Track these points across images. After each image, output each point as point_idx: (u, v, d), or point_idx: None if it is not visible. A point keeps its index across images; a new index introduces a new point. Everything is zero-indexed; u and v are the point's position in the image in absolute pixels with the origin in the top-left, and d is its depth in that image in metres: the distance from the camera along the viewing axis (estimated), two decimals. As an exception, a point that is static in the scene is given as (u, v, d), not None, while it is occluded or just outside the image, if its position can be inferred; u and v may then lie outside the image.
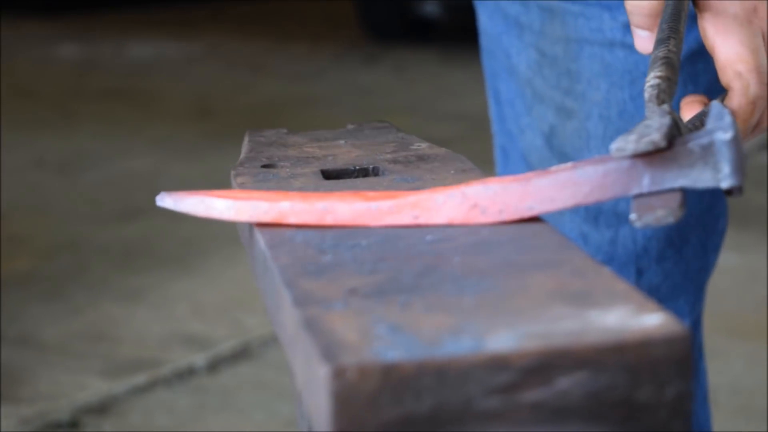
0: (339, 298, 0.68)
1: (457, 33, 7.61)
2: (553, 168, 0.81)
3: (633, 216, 0.77)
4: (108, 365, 3.03)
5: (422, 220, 0.81)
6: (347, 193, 0.84)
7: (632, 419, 0.61)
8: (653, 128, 0.77)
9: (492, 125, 1.41)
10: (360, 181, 0.91)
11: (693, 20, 1.14)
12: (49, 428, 2.73)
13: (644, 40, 0.97)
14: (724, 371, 2.92)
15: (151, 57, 7.43)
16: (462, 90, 6.20)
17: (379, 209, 0.81)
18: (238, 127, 5.09)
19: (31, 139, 5.36)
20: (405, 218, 0.81)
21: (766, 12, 0.97)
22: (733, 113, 0.92)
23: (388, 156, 0.97)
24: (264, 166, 0.95)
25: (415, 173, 0.92)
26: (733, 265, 3.51)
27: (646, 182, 0.78)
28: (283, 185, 0.89)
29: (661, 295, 1.31)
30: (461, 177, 0.90)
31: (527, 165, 1.33)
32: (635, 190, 0.78)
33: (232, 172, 0.94)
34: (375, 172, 0.94)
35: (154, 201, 0.85)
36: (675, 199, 0.77)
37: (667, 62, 0.89)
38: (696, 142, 0.78)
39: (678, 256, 1.31)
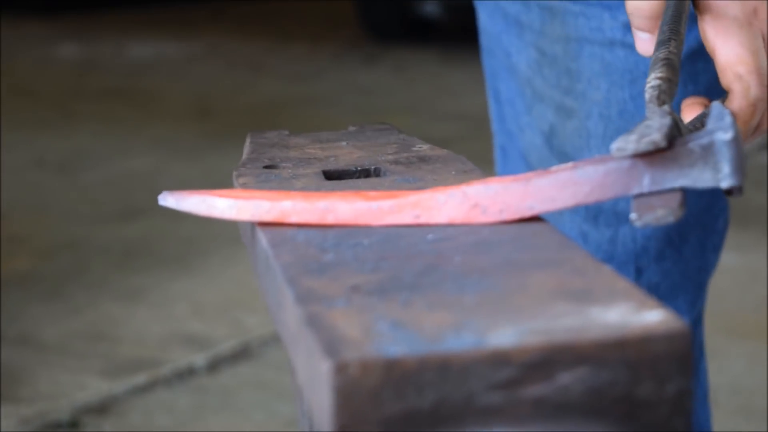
0: (341, 296, 0.68)
1: (457, 33, 7.62)
2: (554, 168, 0.81)
3: (633, 215, 0.77)
4: (108, 365, 3.04)
5: (423, 220, 0.81)
6: (348, 193, 0.84)
7: (633, 416, 0.61)
8: (654, 128, 0.78)
9: (492, 125, 1.41)
10: (361, 181, 0.92)
11: (693, 20, 1.14)
12: (49, 428, 2.73)
13: (645, 43, 0.98)
14: (724, 371, 2.92)
15: (151, 57, 7.43)
16: (462, 90, 6.20)
17: (380, 208, 0.82)
18: (238, 127, 5.10)
19: (31, 138, 5.36)
20: (406, 218, 0.82)
21: (766, 14, 0.97)
22: (733, 115, 0.93)
23: (390, 157, 0.98)
24: (266, 167, 0.95)
25: (417, 174, 0.92)
26: (733, 265, 3.51)
27: (646, 182, 0.78)
28: (285, 186, 0.90)
29: (660, 294, 1.31)
30: (462, 178, 0.90)
31: (527, 164, 1.33)
32: (635, 190, 0.79)
33: (234, 173, 0.95)
34: (376, 173, 0.94)
35: (154, 201, 0.86)
36: (675, 199, 0.77)
37: (668, 63, 0.89)
38: (696, 142, 0.78)
39: (677, 255, 1.31)
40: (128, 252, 3.88)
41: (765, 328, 3.16)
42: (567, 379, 0.60)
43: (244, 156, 1.00)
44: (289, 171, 0.94)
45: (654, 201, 0.78)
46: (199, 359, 3.04)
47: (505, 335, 0.61)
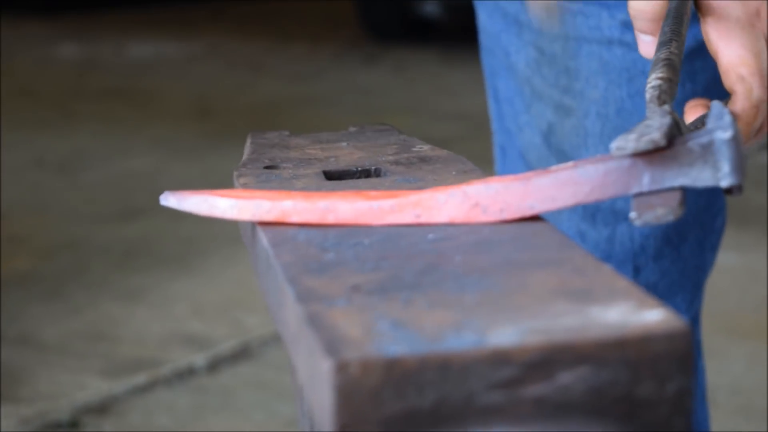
0: (341, 295, 0.68)
1: (457, 33, 7.62)
2: (554, 167, 0.81)
3: (633, 214, 0.77)
4: (108, 365, 3.04)
5: (424, 219, 0.81)
6: (349, 193, 0.84)
7: (633, 415, 0.61)
8: (654, 127, 0.78)
9: (492, 124, 1.41)
10: (362, 182, 0.92)
11: (691, 19, 1.14)
12: (49, 428, 2.73)
13: (648, 45, 0.98)
14: (724, 371, 2.92)
15: (151, 57, 7.43)
16: (462, 90, 6.20)
17: (380, 208, 0.82)
18: (238, 127, 5.11)
19: (31, 138, 5.36)
20: (407, 217, 0.82)
21: None
22: (736, 116, 0.93)
23: (390, 158, 0.98)
24: (266, 167, 0.96)
25: (417, 174, 0.93)
26: (733, 265, 3.51)
27: (646, 181, 0.79)
28: (286, 186, 0.90)
29: (658, 293, 1.31)
30: (463, 178, 0.90)
31: (525, 163, 1.33)
32: (635, 189, 0.79)
33: (235, 173, 0.95)
34: (377, 174, 0.95)
35: (154, 201, 0.86)
36: (675, 198, 0.78)
37: (669, 64, 0.89)
38: (696, 141, 0.78)
39: (675, 254, 1.31)
40: (128, 252, 3.88)
41: (765, 328, 3.16)
42: (567, 378, 0.60)
43: (245, 156, 1.00)
44: (290, 171, 0.94)
45: (654, 200, 0.78)
46: (199, 359, 3.04)
47: (506, 335, 0.62)
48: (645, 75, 1.23)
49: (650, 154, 0.78)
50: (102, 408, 2.83)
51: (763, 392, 2.81)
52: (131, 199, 4.41)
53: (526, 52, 1.30)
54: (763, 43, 0.96)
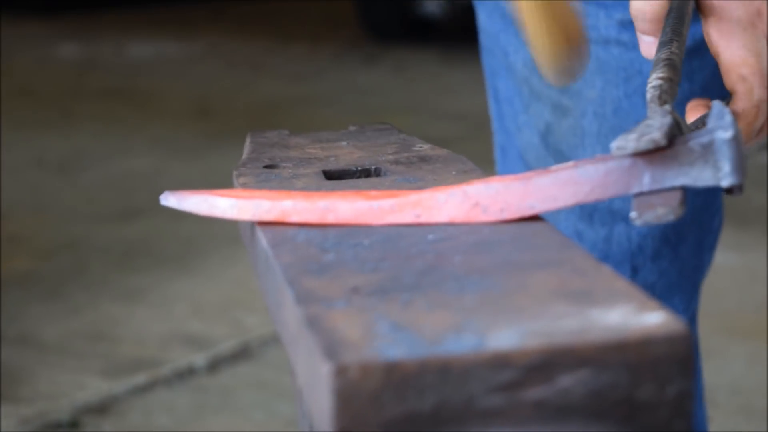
0: (341, 297, 0.68)
1: (457, 33, 7.62)
2: (554, 167, 0.81)
3: (633, 214, 0.77)
4: (108, 365, 3.04)
5: (424, 219, 0.81)
6: (349, 192, 0.84)
7: (634, 418, 0.61)
8: (654, 127, 0.78)
9: (492, 124, 1.41)
10: (362, 181, 0.92)
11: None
12: (49, 428, 2.73)
13: (649, 45, 0.98)
14: (724, 371, 2.92)
15: (151, 57, 7.43)
16: (462, 90, 6.20)
17: (380, 208, 0.82)
18: (237, 127, 5.10)
19: (31, 138, 5.36)
20: (407, 217, 0.82)
21: None
22: (737, 116, 0.93)
23: (390, 157, 0.98)
24: (266, 167, 0.95)
25: (417, 174, 0.92)
26: (733, 265, 3.51)
27: (646, 181, 0.79)
28: (286, 185, 0.90)
29: (655, 294, 1.31)
30: (463, 178, 0.90)
31: (524, 163, 1.33)
32: (636, 189, 0.79)
33: (235, 173, 0.95)
34: (377, 173, 0.94)
35: (153, 201, 0.86)
36: (675, 198, 0.77)
37: (670, 64, 0.89)
38: (696, 140, 0.78)
39: (674, 254, 1.31)
40: (128, 252, 3.87)
41: (765, 328, 3.16)
42: (568, 381, 0.60)
43: (245, 156, 1.00)
44: (290, 171, 0.94)
45: (654, 199, 0.78)
46: (199, 359, 3.04)
47: (506, 337, 0.61)
48: (642, 75, 1.23)
49: (651, 154, 0.78)
50: (102, 408, 2.82)
51: (763, 392, 2.81)
52: (131, 199, 4.41)
53: (524, 51, 1.30)
54: (764, 43, 0.96)
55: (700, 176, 0.78)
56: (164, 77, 6.79)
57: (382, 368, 0.59)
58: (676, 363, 0.61)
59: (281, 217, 0.82)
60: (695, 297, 1.37)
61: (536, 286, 0.69)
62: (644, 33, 0.98)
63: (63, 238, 4.01)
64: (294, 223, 0.82)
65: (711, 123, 0.79)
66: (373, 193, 0.84)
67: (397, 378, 0.59)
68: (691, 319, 1.38)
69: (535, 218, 0.81)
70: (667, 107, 0.83)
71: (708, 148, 0.78)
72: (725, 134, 0.77)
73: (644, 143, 0.77)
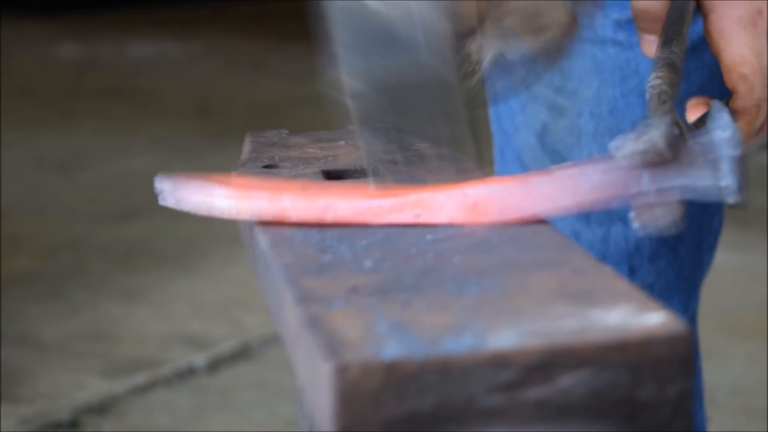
0: (340, 297, 0.68)
1: (457, 33, 7.60)
2: (554, 168, 0.81)
3: (632, 215, 0.77)
4: (108, 365, 3.03)
5: (423, 219, 0.81)
6: (348, 188, 0.84)
7: (634, 418, 0.61)
8: (653, 127, 0.78)
9: (491, 124, 1.41)
10: (361, 181, 0.92)
11: None
12: (49, 428, 2.73)
13: (651, 44, 0.98)
14: (724, 371, 2.92)
15: (151, 56, 7.42)
16: (462, 90, 6.19)
17: (380, 207, 0.82)
18: (237, 126, 5.09)
19: (31, 138, 5.36)
20: (406, 217, 0.81)
21: None
22: (737, 115, 0.93)
23: (389, 156, 0.97)
24: (266, 167, 0.95)
25: (417, 173, 0.92)
26: (733, 265, 3.51)
27: (645, 181, 0.79)
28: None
29: (654, 294, 1.31)
30: (462, 177, 0.90)
31: (521, 163, 1.33)
32: (635, 189, 0.79)
33: (234, 173, 0.95)
34: (376, 172, 0.94)
35: (153, 201, 0.86)
36: (674, 200, 0.78)
37: (669, 63, 0.89)
38: (696, 140, 0.78)
39: (672, 255, 1.31)
40: (128, 252, 3.87)
41: (765, 328, 3.16)
42: (568, 381, 0.60)
43: (244, 155, 1.00)
44: (289, 171, 0.94)
45: (654, 205, 0.78)
46: (199, 359, 3.04)
47: (506, 337, 0.61)
48: (638, 74, 1.23)
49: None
50: (102, 408, 2.82)
51: (763, 392, 2.81)
52: (131, 199, 4.41)
53: (521, 51, 1.30)
54: (765, 41, 0.97)
55: (700, 176, 0.78)
56: (164, 77, 6.78)
57: (383, 368, 0.59)
58: (676, 363, 0.61)
59: (280, 216, 0.82)
60: (695, 297, 1.37)
61: (536, 287, 0.69)
62: (646, 32, 0.98)
63: (63, 238, 4.01)
64: (293, 223, 0.82)
65: (710, 123, 0.79)
66: (373, 191, 0.84)
67: (398, 377, 0.59)
68: (691, 319, 1.38)
69: (535, 218, 0.81)
70: (667, 107, 0.83)
71: (707, 148, 0.78)
72: (724, 134, 0.77)
73: (642, 143, 0.77)
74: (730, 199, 0.78)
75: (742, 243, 3.68)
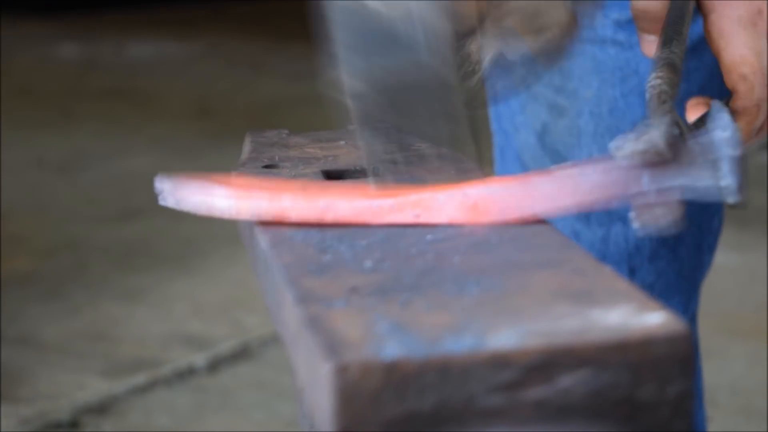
0: (340, 297, 0.68)
1: (457, 33, 7.60)
2: (554, 168, 0.81)
3: (632, 215, 0.78)
4: (108, 365, 3.03)
5: (423, 219, 0.81)
6: (348, 188, 0.84)
7: (634, 418, 0.61)
8: (653, 127, 0.78)
9: (491, 124, 1.41)
10: (361, 181, 0.92)
11: None
12: (49, 428, 2.73)
13: (651, 44, 0.98)
14: (724, 371, 2.92)
15: (151, 57, 7.42)
16: (462, 90, 6.19)
17: (380, 207, 0.82)
18: (237, 126, 5.09)
19: (31, 138, 5.36)
20: (406, 217, 0.81)
21: None
22: (737, 115, 0.93)
23: (390, 156, 0.97)
24: (266, 167, 0.95)
25: (417, 173, 0.92)
26: (733, 265, 3.51)
27: (646, 181, 0.79)
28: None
29: (654, 294, 1.31)
30: (463, 177, 0.90)
31: (521, 163, 1.33)
32: (635, 189, 0.79)
33: (234, 173, 0.95)
34: (376, 172, 0.94)
35: (153, 201, 0.85)
36: (674, 199, 0.78)
37: (669, 63, 0.89)
38: (696, 140, 0.78)
39: (672, 255, 1.31)
40: (128, 252, 3.87)
41: (765, 328, 3.16)
42: (568, 381, 0.60)
43: (244, 155, 1.00)
44: (289, 171, 0.94)
45: (653, 200, 0.78)
46: (199, 359, 3.04)
47: (506, 337, 0.61)
48: (638, 74, 1.23)
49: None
50: (102, 408, 2.82)
51: (763, 393, 2.81)
52: (131, 199, 4.41)
53: (520, 51, 1.29)
54: (765, 41, 0.97)
55: (700, 176, 0.78)
56: (164, 77, 6.78)
57: (383, 368, 0.59)
58: (676, 363, 0.61)
59: (280, 216, 0.82)
60: (695, 297, 1.37)
61: (536, 287, 0.69)
62: (646, 32, 0.98)
63: (63, 238, 4.01)
64: (293, 223, 0.82)
65: (710, 123, 0.79)
66: (372, 191, 0.84)
67: (398, 377, 0.59)
68: (691, 319, 1.38)
69: (536, 218, 0.81)
70: (667, 107, 0.83)
71: (707, 148, 0.78)
72: (724, 134, 0.78)
73: (642, 144, 0.77)
74: (730, 199, 0.78)
75: (742, 243, 3.68)
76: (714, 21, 0.97)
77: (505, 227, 0.80)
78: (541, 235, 0.78)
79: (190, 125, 5.62)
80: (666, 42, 0.92)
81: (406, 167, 0.94)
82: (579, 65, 1.25)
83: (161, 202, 0.85)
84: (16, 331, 3.22)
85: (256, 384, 2.94)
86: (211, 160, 4.90)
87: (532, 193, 0.81)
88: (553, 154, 1.29)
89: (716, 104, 0.80)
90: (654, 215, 0.77)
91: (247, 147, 1.03)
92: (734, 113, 0.96)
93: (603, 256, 1.29)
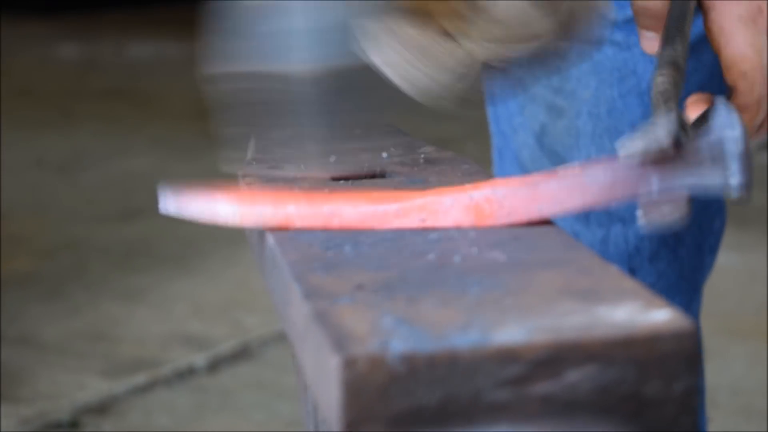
0: (347, 293, 0.68)
1: (457, 34, 7.60)
2: (561, 170, 0.81)
3: (639, 213, 0.78)
4: (108, 365, 3.04)
5: (429, 224, 0.81)
6: (353, 194, 0.84)
7: (640, 414, 0.61)
8: (659, 128, 0.78)
9: (490, 126, 1.41)
10: (367, 183, 0.92)
11: None
12: (49, 428, 2.73)
13: (651, 41, 0.98)
14: (725, 372, 2.92)
15: (151, 57, 7.42)
16: (461, 91, 6.19)
17: (385, 212, 0.82)
18: (238, 128, 5.09)
19: (31, 138, 5.36)
20: (412, 221, 0.81)
21: None
22: (738, 112, 0.93)
23: (396, 159, 0.98)
24: (271, 167, 0.95)
25: (422, 175, 0.93)
26: (733, 265, 3.51)
27: (654, 182, 0.79)
28: (291, 186, 0.90)
29: None
30: (468, 180, 0.90)
31: (519, 165, 1.33)
32: (644, 191, 0.79)
33: (240, 173, 0.95)
34: (382, 175, 0.95)
35: (153, 201, 0.85)
36: (681, 198, 0.78)
37: (673, 63, 0.89)
38: (704, 140, 0.78)
39: (672, 256, 1.31)
40: (128, 252, 3.87)
41: (765, 328, 3.16)
42: (575, 376, 0.60)
43: (249, 156, 1.00)
44: (294, 171, 0.94)
45: (660, 202, 0.78)
46: (199, 359, 3.04)
47: (513, 332, 0.62)
48: (636, 75, 1.23)
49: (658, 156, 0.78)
50: (102, 408, 2.82)
51: (763, 393, 2.81)
52: (131, 199, 4.41)
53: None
54: (765, 39, 0.97)
55: (708, 176, 0.78)
56: (164, 77, 6.78)
57: (390, 362, 0.60)
58: (682, 359, 0.61)
59: (285, 223, 0.82)
60: (696, 299, 1.37)
61: (542, 285, 0.69)
62: (646, 29, 0.98)
63: (63, 238, 4.01)
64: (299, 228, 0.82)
65: (716, 121, 0.79)
66: (378, 195, 0.83)
67: (405, 371, 0.60)
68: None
69: (541, 219, 0.81)
70: (671, 106, 0.83)
71: (716, 148, 0.78)
72: (733, 134, 0.78)
73: (647, 143, 0.77)
74: (735, 194, 0.78)
75: (742, 243, 3.68)
76: (714, 18, 0.97)
77: (511, 227, 0.80)
78: (546, 235, 0.79)
79: (190, 125, 5.62)
80: (668, 40, 0.93)
81: (411, 170, 0.95)
82: (577, 66, 1.25)
83: (162, 210, 0.85)
84: (16, 331, 3.22)
85: (256, 384, 2.94)
86: (211, 160, 4.89)
87: (538, 195, 0.81)
88: (551, 155, 1.29)
89: (720, 101, 0.80)
90: (661, 212, 0.77)
91: (251, 148, 1.03)
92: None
93: (603, 257, 1.29)
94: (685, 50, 0.93)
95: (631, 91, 1.23)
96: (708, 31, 0.97)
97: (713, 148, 0.78)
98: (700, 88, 1.21)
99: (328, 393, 0.61)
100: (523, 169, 1.31)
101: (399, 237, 0.79)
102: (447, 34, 0.84)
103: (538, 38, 0.85)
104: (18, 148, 5.15)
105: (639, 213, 0.78)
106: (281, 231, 0.81)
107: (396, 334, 0.62)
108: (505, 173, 1.36)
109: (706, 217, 1.34)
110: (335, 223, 0.81)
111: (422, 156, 0.98)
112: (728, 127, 0.78)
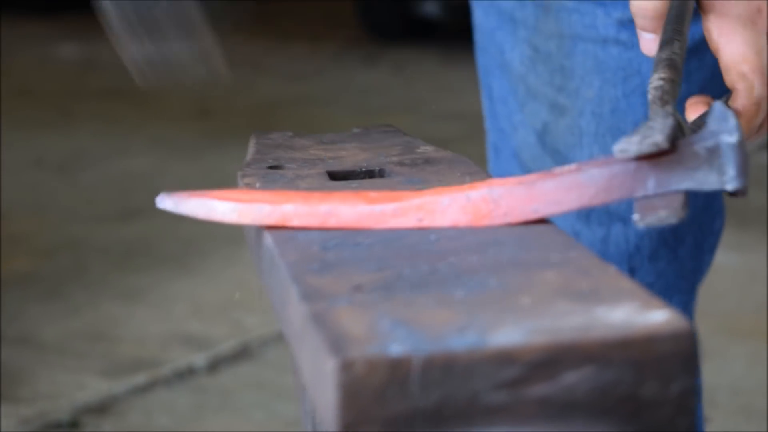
0: (345, 294, 0.68)
1: (457, 33, 7.61)
2: (558, 170, 0.81)
3: (635, 216, 0.77)
4: (108, 365, 3.04)
5: (426, 223, 0.81)
6: (350, 194, 0.84)
7: (638, 415, 0.61)
8: (656, 129, 0.78)
9: (485, 122, 1.41)
10: (366, 182, 0.92)
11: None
12: (49, 428, 2.73)
13: (649, 42, 0.98)
14: (724, 372, 2.92)
15: (151, 57, 7.41)
16: (462, 90, 6.19)
17: (383, 212, 0.82)
18: (237, 127, 5.10)
19: (31, 138, 5.36)
20: (409, 221, 0.81)
21: None
22: (737, 114, 0.93)
23: (394, 158, 0.98)
24: (270, 168, 0.96)
25: (421, 175, 0.93)
26: (733, 265, 3.51)
27: (651, 184, 0.79)
28: (290, 186, 0.90)
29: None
30: (467, 180, 0.90)
31: (519, 163, 1.33)
32: (640, 192, 0.79)
33: (239, 173, 0.95)
34: (381, 174, 0.95)
35: (153, 200, 0.85)
36: (677, 200, 0.78)
37: (671, 64, 0.89)
38: (701, 144, 0.78)
39: (672, 255, 1.31)
40: (128, 252, 3.88)
41: (765, 328, 3.16)
42: (572, 378, 0.60)
43: (249, 156, 1.00)
44: (294, 171, 0.94)
45: (656, 202, 0.78)
46: (199, 359, 3.04)
47: (510, 334, 0.62)
48: (640, 74, 1.23)
49: (655, 158, 0.78)
50: (102, 408, 2.83)
51: (763, 393, 2.81)
52: (131, 199, 4.41)
53: (520, 50, 1.30)
54: (765, 40, 0.97)
55: (705, 180, 0.78)
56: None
57: (388, 363, 0.60)
58: (680, 360, 0.61)
59: (282, 222, 0.82)
60: (693, 298, 1.37)
61: (540, 285, 0.69)
62: (645, 30, 0.98)
63: (63, 238, 4.01)
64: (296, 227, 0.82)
65: (713, 124, 0.79)
66: (375, 195, 0.83)
67: (402, 373, 0.60)
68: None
69: (539, 219, 0.81)
70: (669, 108, 0.83)
71: (713, 152, 0.78)
72: (730, 138, 0.78)
73: (646, 146, 0.77)
74: (730, 188, 0.78)
75: (742, 243, 3.68)
76: (713, 19, 0.97)
77: (509, 227, 0.80)
78: (545, 235, 0.79)
79: (190, 125, 5.62)
80: (667, 41, 0.93)
81: (409, 169, 0.95)
82: (581, 64, 1.25)
83: (159, 206, 0.85)
84: (16, 331, 3.23)
85: (256, 384, 2.94)
86: (211, 160, 4.90)
87: (535, 195, 0.81)
88: (553, 154, 1.29)
89: (720, 106, 0.80)
90: (656, 213, 0.77)
91: (251, 148, 1.03)
92: (734, 112, 0.96)
93: (603, 256, 1.29)
94: (684, 51, 0.93)
95: (635, 91, 1.23)
96: (707, 32, 0.97)
97: (711, 153, 0.78)
98: (702, 88, 1.21)
99: (325, 395, 0.61)
100: (523, 167, 1.31)
101: (397, 237, 0.79)
102: None
103: None
104: (17, 148, 5.15)
105: (635, 216, 0.78)
106: (279, 231, 0.81)
107: (393, 335, 0.62)
108: (501, 170, 1.36)
109: (708, 217, 1.34)
110: (332, 222, 0.81)
111: (421, 156, 0.98)
112: (725, 129, 0.78)
